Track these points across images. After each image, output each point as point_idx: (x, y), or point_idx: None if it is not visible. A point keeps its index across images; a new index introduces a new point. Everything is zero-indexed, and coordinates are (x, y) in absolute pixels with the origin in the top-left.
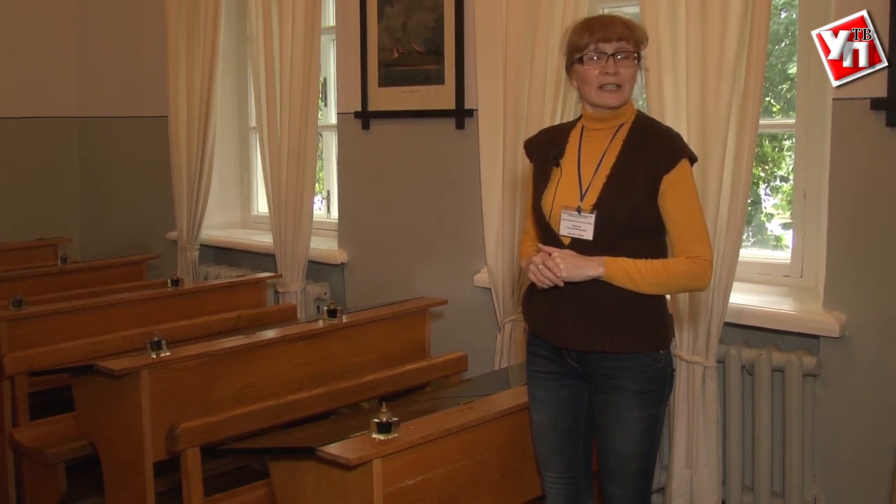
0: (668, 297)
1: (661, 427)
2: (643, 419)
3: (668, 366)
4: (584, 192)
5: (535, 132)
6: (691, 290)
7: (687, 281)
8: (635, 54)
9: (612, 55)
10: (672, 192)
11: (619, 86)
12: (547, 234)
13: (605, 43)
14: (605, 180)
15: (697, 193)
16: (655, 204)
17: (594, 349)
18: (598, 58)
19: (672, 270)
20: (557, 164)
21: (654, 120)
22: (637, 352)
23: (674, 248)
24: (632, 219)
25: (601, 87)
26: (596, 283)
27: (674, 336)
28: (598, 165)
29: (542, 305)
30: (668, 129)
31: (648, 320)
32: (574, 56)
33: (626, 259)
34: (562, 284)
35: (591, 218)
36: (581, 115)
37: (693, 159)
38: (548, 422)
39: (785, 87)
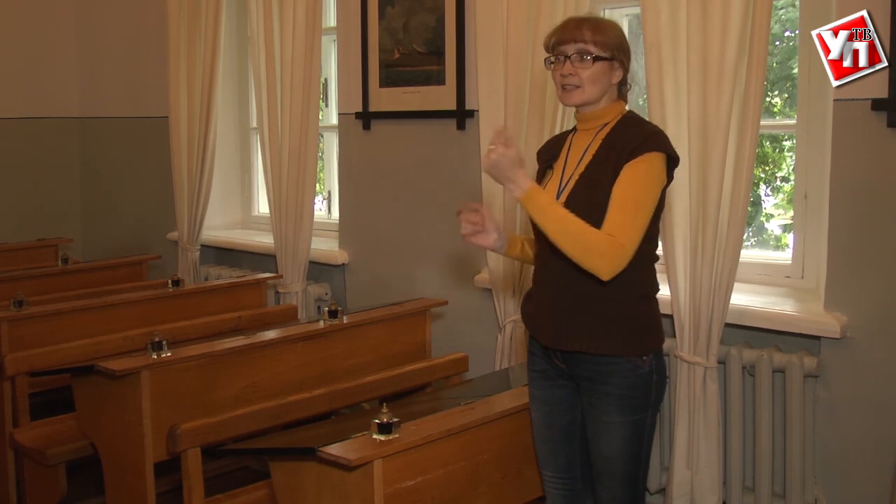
0: (657, 300)
1: (650, 433)
2: (626, 425)
3: (653, 372)
4: (560, 191)
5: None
6: (591, 269)
7: (591, 254)
8: (597, 55)
9: (569, 57)
10: (623, 173)
11: (578, 86)
12: (536, 231)
13: (563, 45)
14: (577, 178)
15: (653, 187)
16: None
17: (571, 349)
18: (558, 60)
19: (586, 237)
20: (550, 167)
21: (640, 119)
22: (616, 355)
23: (603, 226)
24: (599, 216)
25: (563, 88)
26: (580, 283)
27: (664, 341)
28: (577, 165)
29: (534, 305)
30: (653, 127)
31: (633, 324)
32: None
33: (552, 200)
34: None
35: None
36: None
37: (673, 158)
38: (543, 421)
39: (788, 84)
